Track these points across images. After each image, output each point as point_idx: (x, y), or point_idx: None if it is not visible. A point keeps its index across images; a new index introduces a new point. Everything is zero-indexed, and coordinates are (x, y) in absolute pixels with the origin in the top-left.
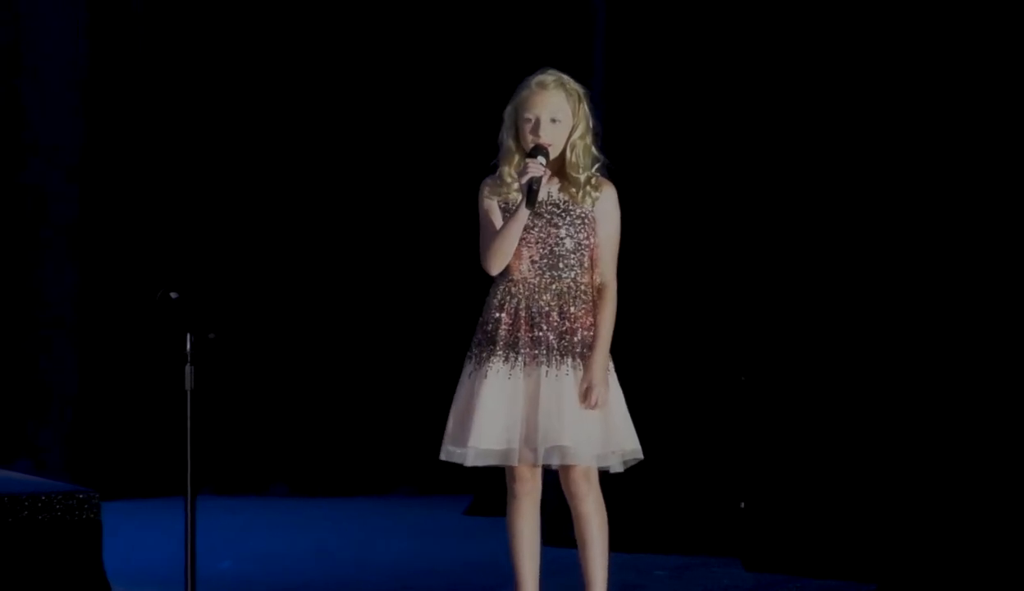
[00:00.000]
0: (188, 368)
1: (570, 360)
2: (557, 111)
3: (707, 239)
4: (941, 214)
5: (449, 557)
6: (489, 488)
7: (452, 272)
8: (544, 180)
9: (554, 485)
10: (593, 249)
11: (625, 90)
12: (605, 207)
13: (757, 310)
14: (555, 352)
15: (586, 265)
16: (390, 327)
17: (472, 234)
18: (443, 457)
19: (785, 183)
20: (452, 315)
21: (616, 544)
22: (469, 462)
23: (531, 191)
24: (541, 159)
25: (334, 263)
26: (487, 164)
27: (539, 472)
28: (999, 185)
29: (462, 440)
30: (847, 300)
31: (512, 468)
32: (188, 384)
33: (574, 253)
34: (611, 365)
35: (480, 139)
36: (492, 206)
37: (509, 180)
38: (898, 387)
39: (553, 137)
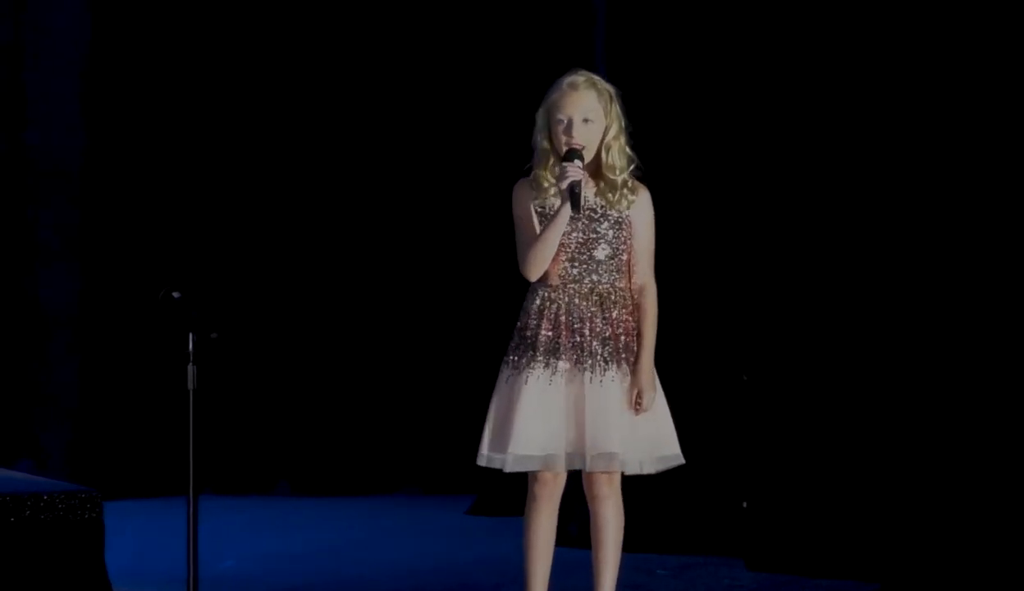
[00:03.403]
0: (191, 368)
1: (614, 366)
2: (589, 111)
3: (709, 239)
4: (941, 214)
5: (452, 557)
6: (491, 488)
7: (456, 273)
8: (583, 182)
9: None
10: (629, 253)
11: (626, 90)
12: (641, 210)
13: (759, 310)
14: (599, 358)
15: (623, 269)
16: (393, 327)
17: (478, 235)
18: (482, 463)
19: (787, 183)
20: (455, 316)
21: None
22: (508, 468)
23: (574, 194)
24: (578, 162)
25: (337, 263)
26: (492, 164)
27: (563, 477)
28: (999, 185)
29: (502, 446)
30: (848, 300)
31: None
32: (191, 384)
33: (612, 258)
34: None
35: (482, 139)
36: (529, 211)
37: (546, 184)
38: (900, 387)
39: (586, 138)
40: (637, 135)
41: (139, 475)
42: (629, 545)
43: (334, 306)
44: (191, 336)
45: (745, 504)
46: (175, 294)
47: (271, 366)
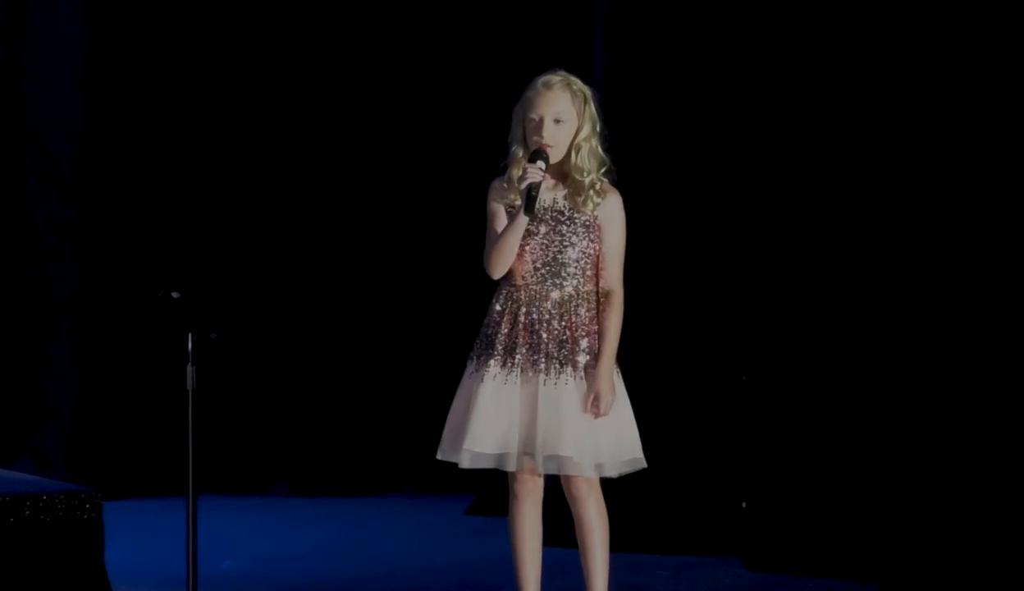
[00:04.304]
0: (190, 368)
1: (570, 369)
2: (561, 112)
3: (708, 239)
4: (941, 214)
5: (451, 557)
6: (491, 488)
7: (455, 272)
8: (544, 185)
9: (554, 486)
10: (597, 257)
11: (626, 90)
12: (609, 213)
13: (758, 310)
14: (554, 360)
15: (589, 273)
16: (392, 327)
17: (477, 235)
18: (440, 457)
19: (786, 183)
20: (454, 314)
21: (617, 544)
22: (464, 464)
23: (529, 197)
24: (540, 164)
25: (336, 263)
26: (492, 165)
27: (542, 475)
28: (999, 185)
29: (458, 443)
30: (847, 300)
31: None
32: (190, 384)
33: (577, 261)
34: (618, 371)
35: (483, 139)
36: (498, 210)
37: (516, 184)
38: (899, 386)
39: (556, 139)
40: (637, 134)
41: (139, 475)
42: (628, 545)
43: (333, 307)
44: (190, 336)
45: (744, 504)
46: (174, 294)
47: (271, 366)
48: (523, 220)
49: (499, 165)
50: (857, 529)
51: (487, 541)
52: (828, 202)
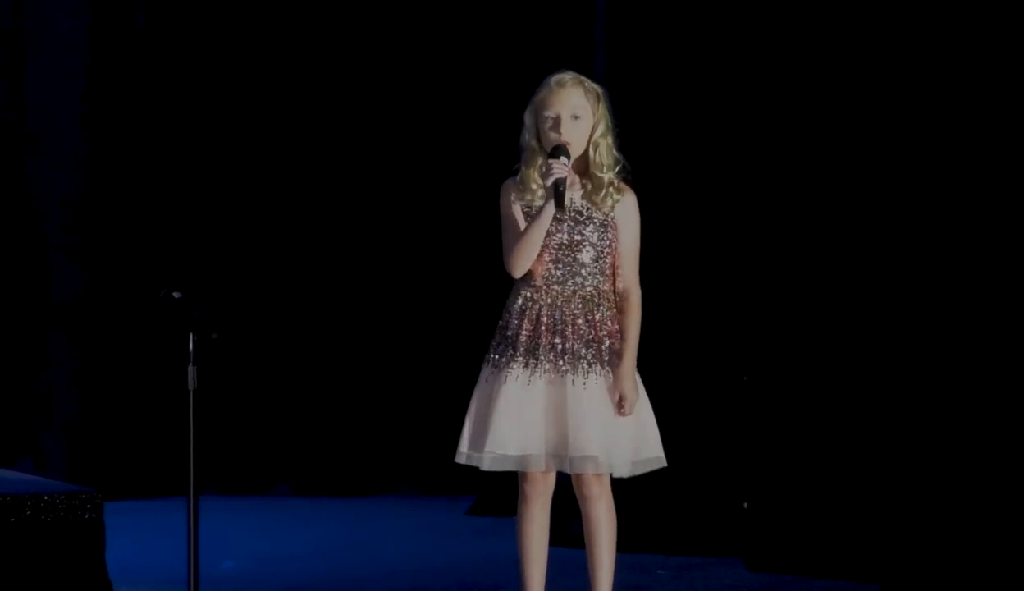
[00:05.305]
0: (191, 368)
1: (598, 368)
2: (578, 108)
3: (709, 239)
4: (941, 214)
5: (452, 557)
6: (492, 488)
7: (456, 273)
8: (568, 180)
9: (558, 485)
10: (615, 255)
11: (626, 90)
12: (626, 212)
13: (759, 311)
14: (583, 360)
15: (607, 272)
16: (393, 327)
17: (479, 236)
18: (460, 460)
19: (787, 183)
20: (455, 316)
21: (619, 544)
22: (486, 467)
23: (558, 192)
24: (564, 159)
25: (337, 263)
26: (492, 163)
27: (552, 475)
28: (999, 185)
29: (479, 445)
30: (848, 300)
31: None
32: (191, 384)
33: (596, 260)
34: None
35: (482, 139)
36: (516, 210)
37: (534, 185)
38: (900, 387)
39: (575, 135)
40: (637, 134)
41: (139, 475)
42: (630, 545)
43: (333, 307)
44: (191, 336)
45: (745, 504)
46: (176, 294)
47: (271, 366)
48: (549, 215)
49: (502, 166)
50: (858, 529)
51: (487, 541)
52: (828, 203)
